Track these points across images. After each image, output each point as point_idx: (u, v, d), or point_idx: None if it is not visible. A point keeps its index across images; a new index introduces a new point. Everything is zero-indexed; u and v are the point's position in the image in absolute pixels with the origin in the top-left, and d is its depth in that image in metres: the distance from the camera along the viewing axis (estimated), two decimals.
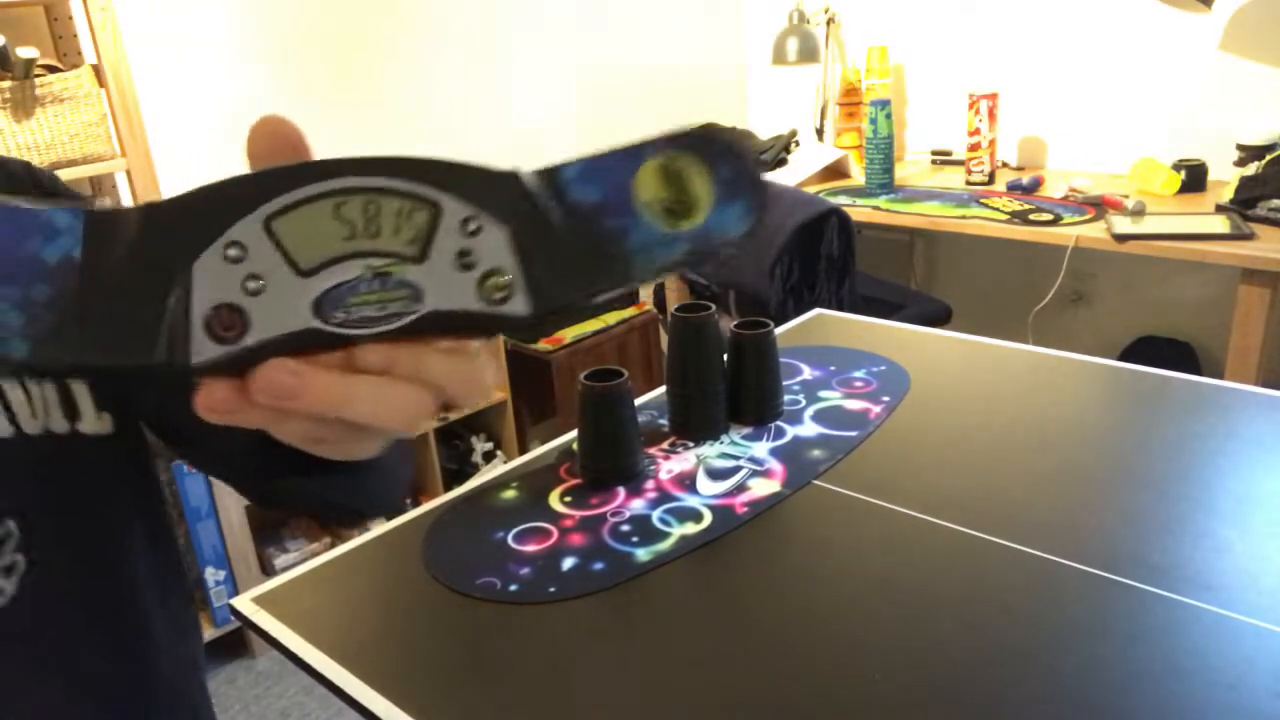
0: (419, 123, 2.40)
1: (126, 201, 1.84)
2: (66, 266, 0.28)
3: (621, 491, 1.05)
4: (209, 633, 2.12)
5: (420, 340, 0.30)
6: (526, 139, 2.61)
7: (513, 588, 0.89)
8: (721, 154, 0.32)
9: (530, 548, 0.95)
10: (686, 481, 1.06)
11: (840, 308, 1.84)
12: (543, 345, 2.50)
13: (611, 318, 2.66)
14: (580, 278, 0.31)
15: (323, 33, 2.23)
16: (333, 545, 0.98)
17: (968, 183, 2.49)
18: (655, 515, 1.00)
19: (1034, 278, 2.56)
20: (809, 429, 1.15)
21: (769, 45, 2.80)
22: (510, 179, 0.31)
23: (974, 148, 2.46)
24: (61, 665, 0.56)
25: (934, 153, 2.77)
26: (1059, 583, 0.84)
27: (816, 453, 1.09)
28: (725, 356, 1.16)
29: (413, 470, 2.15)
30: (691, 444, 1.14)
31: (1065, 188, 2.30)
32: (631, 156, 0.32)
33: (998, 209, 2.25)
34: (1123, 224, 1.99)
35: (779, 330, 1.47)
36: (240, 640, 2.23)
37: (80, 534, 0.56)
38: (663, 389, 1.22)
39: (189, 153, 2.04)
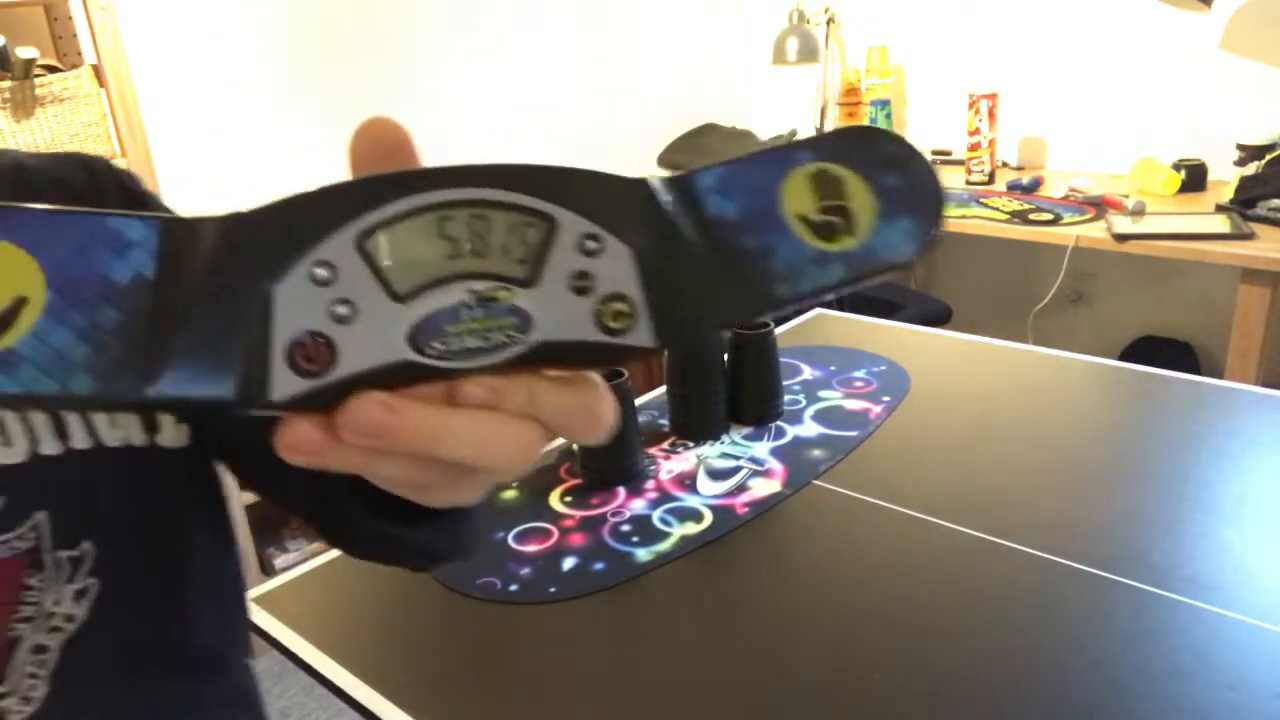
0: (419, 123, 2.40)
1: None
2: (137, 286, 0.24)
3: (622, 491, 1.05)
4: None
5: (529, 369, 0.27)
6: (527, 139, 2.62)
7: (513, 588, 0.89)
8: (886, 159, 0.28)
9: (530, 548, 0.95)
10: (687, 481, 1.06)
11: (840, 308, 1.84)
12: None
13: None
14: (714, 304, 0.27)
15: (323, 32, 2.23)
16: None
17: (968, 182, 2.49)
18: (656, 515, 1.00)
19: (1034, 278, 2.56)
20: (809, 429, 1.15)
21: (769, 45, 2.80)
22: (637, 189, 0.27)
23: (974, 147, 2.46)
24: (127, 690, 0.53)
25: (934, 152, 2.77)
26: (1059, 582, 0.84)
27: (817, 453, 1.09)
28: (725, 356, 1.16)
29: None
30: (692, 444, 1.14)
31: (1065, 187, 2.30)
32: (779, 162, 0.28)
33: (998, 209, 2.25)
34: (1123, 224, 1.99)
35: (779, 330, 1.47)
36: None
37: (154, 554, 0.53)
38: (663, 389, 1.22)
39: (189, 153, 2.04)
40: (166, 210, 0.59)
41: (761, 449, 1.11)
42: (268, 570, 2.26)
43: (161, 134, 1.92)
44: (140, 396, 0.24)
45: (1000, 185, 2.47)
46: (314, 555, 1.00)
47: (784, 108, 3.06)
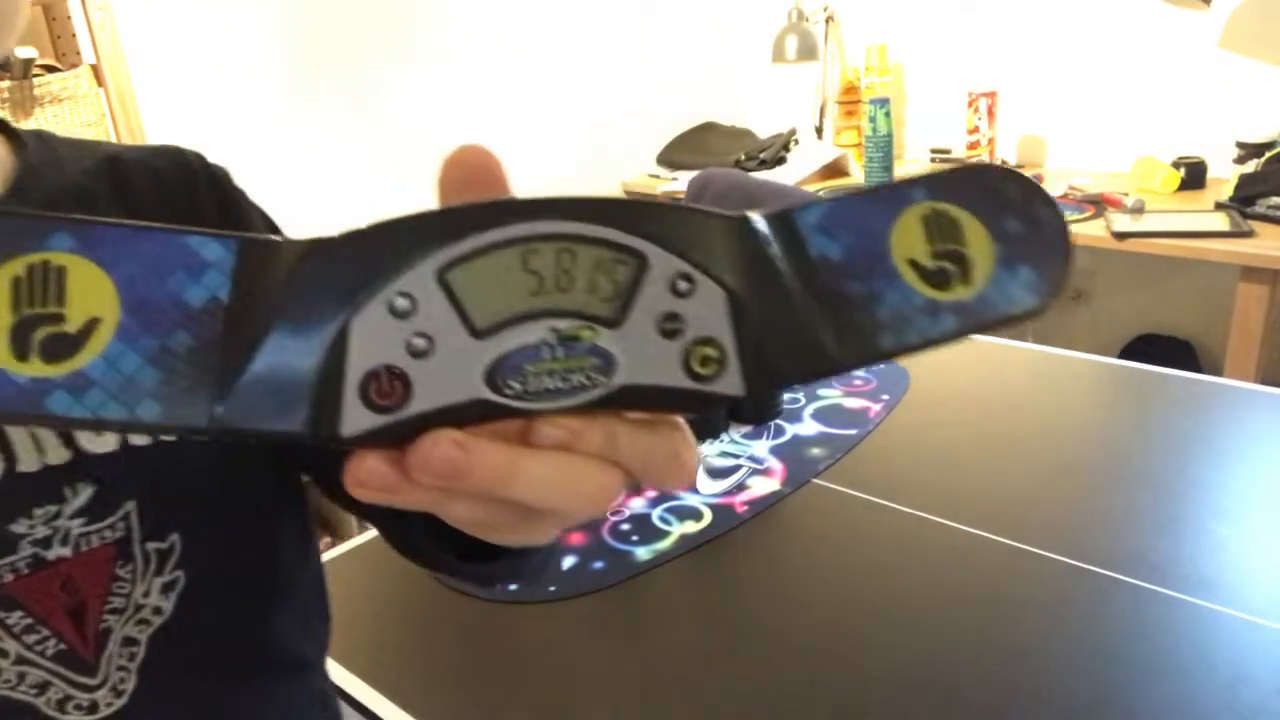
0: (419, 123, 2.40)
1: None
2: (211, 310, 0.24)
3: None
4: None
5: (608, 411, 0.25)
6: (527, 138, 2.61)
7: (513, 586, 0.89)
8: (1007, 201, 0.26)
9: None
10: None
11: None
12: None
13: None
14: (811, 354, 0.25)
15: (322, 32, 2.23)
16: (333, 545, 0.98)
17: None
18: (655, 514, 1.00)
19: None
20: (808, 427, 1.15)
21: (768, 43, 2.80)
22: (735, 226, 0.26)
23: (973, 146, 2.46)
24: (212, 687, 0.53)
25: (933, 151, 2.76)
26: (1058, 580, 0.84)
27: (816, 451, 1.09)
28: None
29: None
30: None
31: (1064, 186, 2.30)
32: (890, 200, 0.26)
33: None
34: (1122, 222, 1.99)
35: None
36: None
37: (240, 550, 0.53)
38: None
39: None
40: (258, 209, 0.59)
41: (761, 447, 1.11)
42: None
43: (160, 134, 1.92)
44: (207, 426, 0.23)
45: None
46: None
47: (783, 106, 3.06)
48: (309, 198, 2.17)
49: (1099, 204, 2.16)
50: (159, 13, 1.98)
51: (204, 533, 0.50)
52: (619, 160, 2.86)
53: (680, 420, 0.27)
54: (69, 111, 1.68)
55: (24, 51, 1.60)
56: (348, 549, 0.95)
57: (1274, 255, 1.76)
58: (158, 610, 0.49)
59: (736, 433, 1.15)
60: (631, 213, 0.25)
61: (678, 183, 2.63)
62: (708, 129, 2.97)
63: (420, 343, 0.24)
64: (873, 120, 2.47)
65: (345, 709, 0.79)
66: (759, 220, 0.26)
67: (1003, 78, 2.57)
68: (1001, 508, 0.95)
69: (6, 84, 1.60)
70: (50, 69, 1.71)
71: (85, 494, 0.46)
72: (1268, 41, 2.22)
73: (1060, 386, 1.23)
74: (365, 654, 0.83)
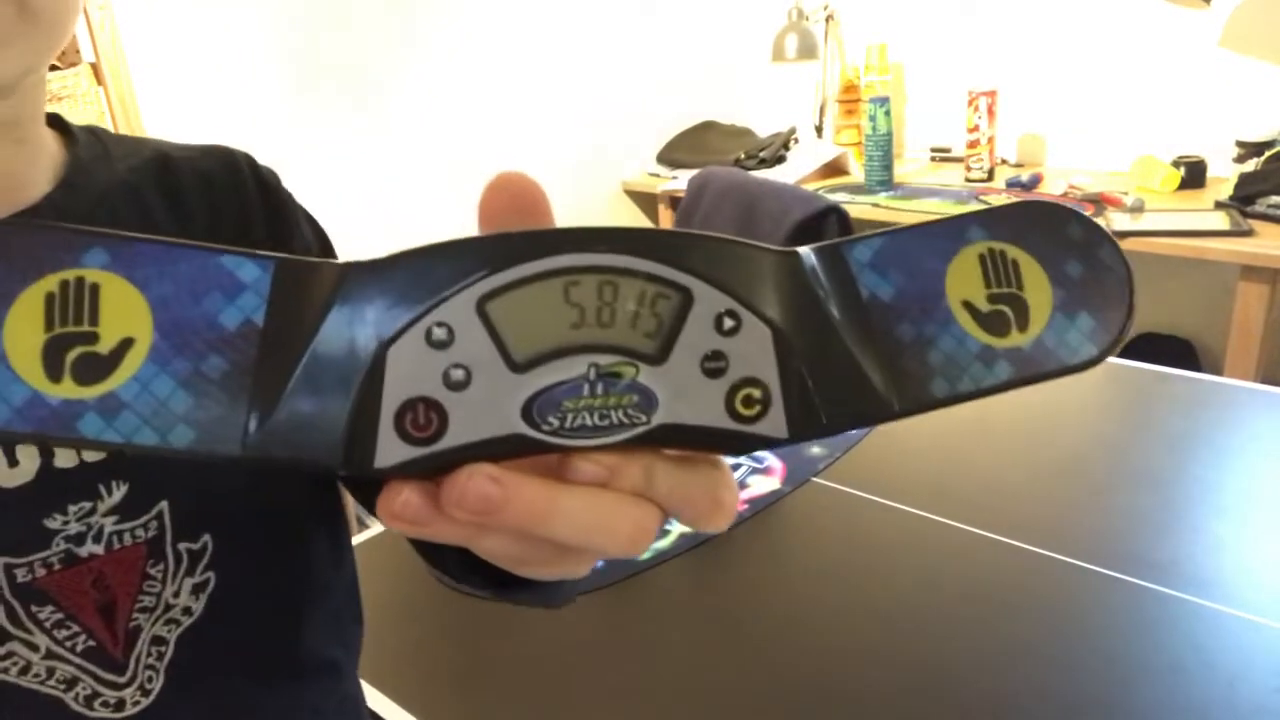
0: (419, 122, 2.40)
1: None
2: (246, 333, 0.23)
3: None
4: None
5: (647, 448, 0.25)
6: (527, 138, 2.61)
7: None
8: (1069, 243, 0.25)
9: None
10: None
11: None
12: None
13: None
14: (859, 399, 0.24)
15: (322, 31, 2.22)
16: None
17: (967, 180, 2.49)
18: None
19: None
20: None
21: (768, 42, 2.80)
22: (784, 262, 0.25)
23: (973, 145, 2.46)
24: (239, 689, 0.53)
25: (933, 150, 2.76)
26: (1058, 579, 0.84)
27: (816, 450, 1.09)
28: None
29: None
30: None
31: (1065, 185, 2.30)
32: (946, 236, 0.25)
33: None
34: (1122, 221, 1.99)
35: None
36: None
37: (272, 553, 0.53)
38: None
39: None
40: (304, 211, 0.59)
41: None
42: None
43: (160, 133, 1.91)
44: (240, 455, 0.23)
45: (999, 182, 2.46)
46: None
47: (783, 105, 3.06)
48: (309, 197, 2.17)
49: (1099, 203, 2.16)
50: (159, 12, 1.98)
51: (236, 534, 0.50)
52: (619, 159, 2.86)
53: (720, 459, 0.26)
54: (68, 110, 1.68)
55: None
56: (359, 543, 0.95)
57: (1274, 254, 1.76)
58: (187, 610, 0.49)
59: None
60: (677, 246, 0.24)
61: (677, 181, 2.63)
62: (708, 128, 2.97)
63: (458, 374, 0.23)
64: (872, 119, 2.47)
65: None
66: (809, 255, 0.25)
67: (1003, 76, 2.56)
68: (1002, 507, 0.95)
69: None
70: (50, 67, 1.70)
71: (120, 492, 0.46)
72: (1268, 41, 2.22)
73: (1060, 385, 1.23)
74: (366, 653, 0.83)
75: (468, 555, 0.26)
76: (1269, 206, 1.91)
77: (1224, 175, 2.18)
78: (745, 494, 1.02)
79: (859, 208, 2.38)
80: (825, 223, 2.05)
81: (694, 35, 2.96)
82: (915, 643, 0.78)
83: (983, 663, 0.75)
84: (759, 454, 1.09)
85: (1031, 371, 0.25)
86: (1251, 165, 2.05)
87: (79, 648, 0.47)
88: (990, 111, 2.44)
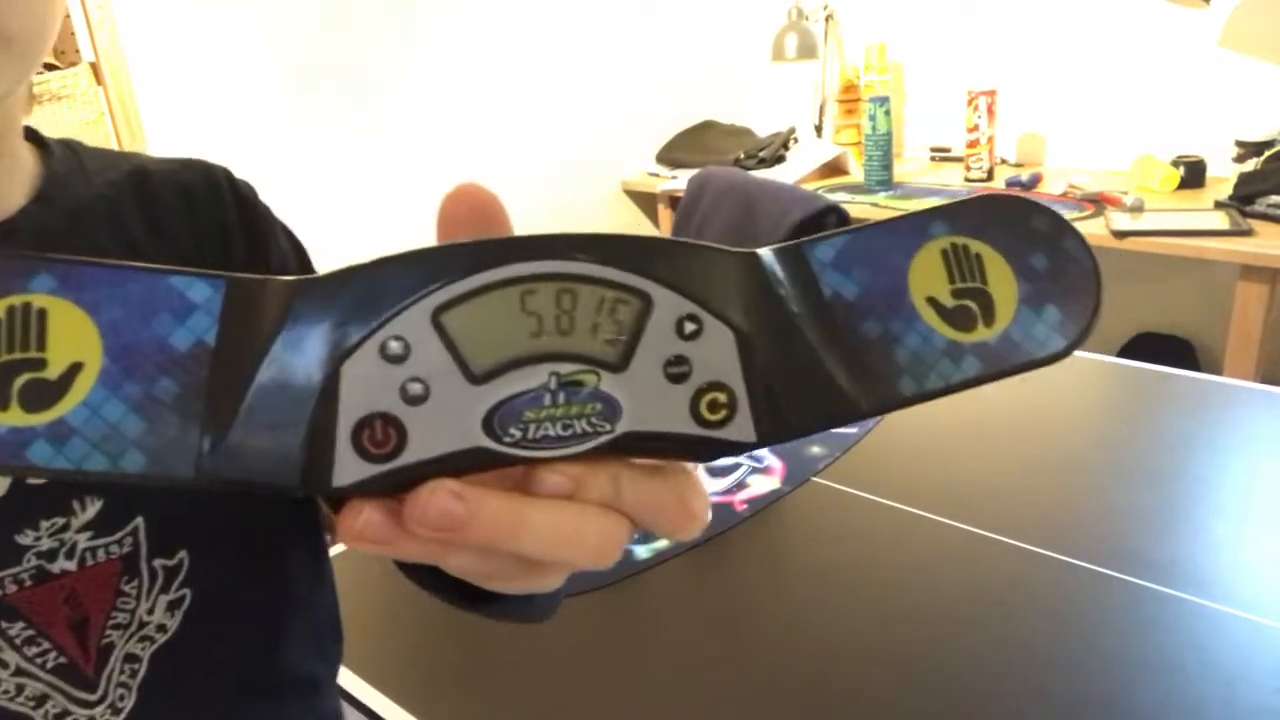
0: (418, 121, 2.40)
1: None
2: (198, 354, 0.23)
3: None
4: None
5: (614, 458, 0.24)
6: (527, 137, 2.61)
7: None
8: (1033, 236, 0.25)
9: None
10: None
11: None
12: None
13: None
14: (826, 399, 0.24)
15: (323, 31, 2.22)
16: (333, 544, 0.98)
17: (967, 179, 2.49)
18: None
19: None
20: None
21: (768, 42, 2.80)
22: (745, 264, 0.24)
23: (972, 144, 2.46)
24: (214, 707, 0.53)
25: (933, 149, 2.76)
26: (1057, 578, 0.84)
27: (816, 449, 1.09)
28: None
29: None
30: None
31: (1064, 184, 2.30)
32: (908, 233, 0.25)
33: None
34: (1121, 220, 1.99)
35: None
36: None
37: (249, 569, 0.53)
38: None
39: (188, 151, 2.03)
40: (282, 225, 0.58)
41: None
42: None
43: (160, 132, 1.91)
44: (194, 479, 0.22)
45: (999, 182, 2.46)
46: None
47: (782, 105, 3.06)
48: (308, 197, 2.17)
49: (1098, 203, 2.16)
50: (159, 11, 1.98)
51: (213, 551, 0.50)
52: (619, 159, 2.86)
53: (689, 466, 0.26)
54: (68, 110, 1.68)
55: None
56: (347, 549, 0.95)
57: (1274, 254, 1.76)
58: (162, 628, 0.49)
59: None
60: (634, 251, 0.23)
61: (677, 181, 2.63)
62: (707, 127, 2.96)
63: (415, 388, 0.22)
64: (872, 119, 2.47)
65: (347, 709, 0.79)
66: (769, 256, 0.25)
67: (1002, 76, 2.56)
68: (1001, 506, 0.95)
69: None
70: (49, 67, 1.70)
71: (94, 508, 0.46)
72: (1267, 40, 2.22)
73: (1060, 385, 1.24)
74: (366, 653, 0.83)
75: (439, 570, 0.26)
76: (1269, 206, 1.91)
77: (1224, 175, 2.18)
78: (745, 494, 1.02)
79: (859, 208, 2.38)
80: (825, 222, 2.05)
81: (694, 35, 2.96)
82: (915, 642, 0.78)
83: (982, 662, 0.75)
84: (758, 454, 1.09)
85: (1000, 366, 0.25)
86: (1251, 165, 2.05)
87: (49, 665, 0.46)
88: (990, 111, 2.44)
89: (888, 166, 2.51)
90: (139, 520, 0.47)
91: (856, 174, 2.68)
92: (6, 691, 0.45)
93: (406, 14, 2.35)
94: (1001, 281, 0.25)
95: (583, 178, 2.78)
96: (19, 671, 0.45)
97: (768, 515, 0.98)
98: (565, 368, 0.23)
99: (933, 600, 0.83)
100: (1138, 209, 2.05)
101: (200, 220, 0.53)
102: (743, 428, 0.24)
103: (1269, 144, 2.08)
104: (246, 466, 0.22)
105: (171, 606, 0.49)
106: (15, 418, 0.22)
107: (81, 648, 0.47)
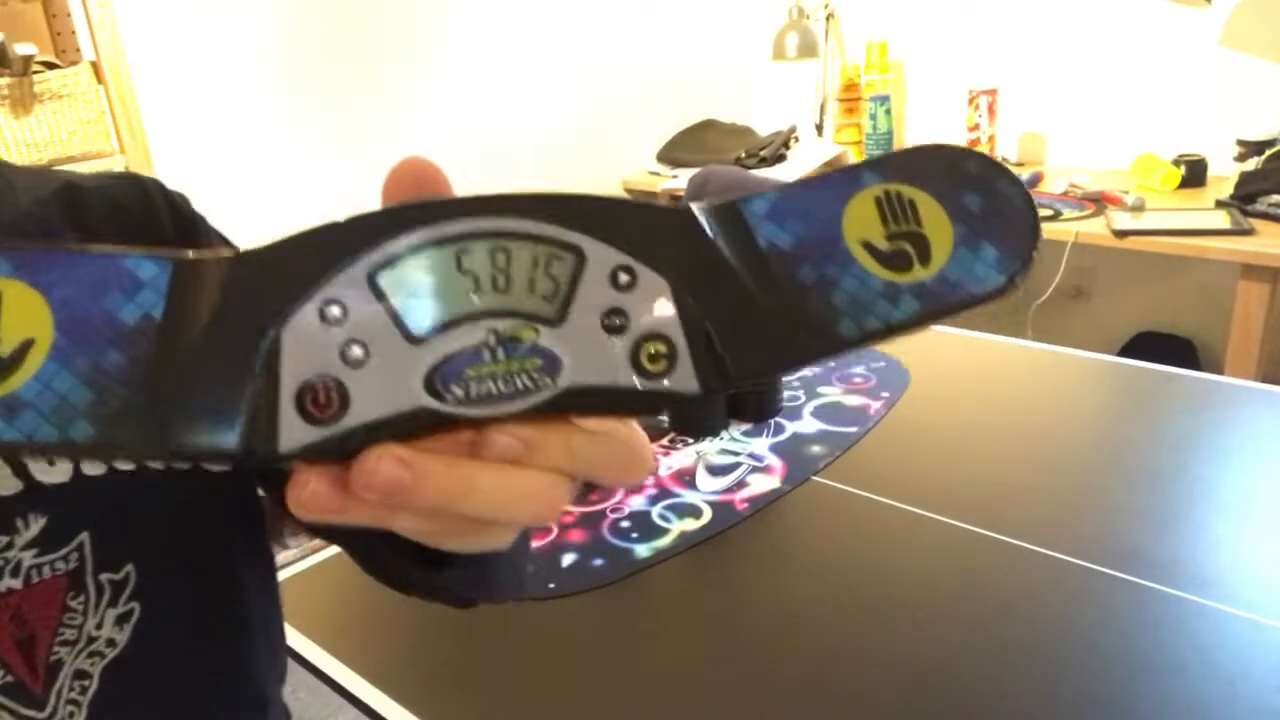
0: (418, 120, 2.40)
1: None
2: (144, 329, 0.23)
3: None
4: None
5: (557, 416, 0.24)
6: (527, 137, 2.61)
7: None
8: (965, 179, 0.25)
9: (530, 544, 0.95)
10: (686, 477, 1.06)
11: None
12: None
13: None
14: (767, 345, 0.24)
15: (323, 30, 2.22)
16: (330, 544, 0.98)
17: None
18: (655, 511, 1.00)
19: (1033, 273, 2.56)
20: (808, 425, 1.15)
21: (768, 41, 2.80)
22: (678, 217, 0.25)
23: (973, 143, 2.46)
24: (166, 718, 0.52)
25: None
26: (1058, 578, 0.84)
27: (816, 449, 1.09)
28: None
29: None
30: (691, 440, 1.14)
31: (1065, 183, 2.30)
32: (841, 185, 0.25)
33: None
34: (1122, 219, 1.99)
35: None
36: None
37: (197, 581, 0.53)
38: None
39: (188, 150, 2.03)
40: (217, 233, 0.58)
41: (761, 445, 1.11)
42: None
43: (160, 131, 1.91)
44: (141, 445, 0.23)
45: None
46: (313, 552, 1.00)
47: (783, 104, 3.06)
48: (308, 197, 2.16)
49: (1099, 202, 2.16)
50: (159, 10, 1.98)
51: (160, 564, 0.50)
52: (619, 158, 2.86)
53: (631, 421, 0.26)
54: (68, 109, 1.68)
55: (23, 48, 1.60)
56: (342, 551, 0.95)
57: (1274, 253, 1.76)
58: (111, 642, 0.48)
59: (736, 430, 1.15)
60: (563, 206, 0.24)
61: (678, 180, 2.63)
62: (708, 126, 2.96)
63: (356, 351, 0.23)
64: (873, 118, 2.47)
65: (347, 708, 0.79)
66: (701, 210, 0.25)
67: (1003, 75, 2.56)
68: (1002, 505, 0.95)
69: (6, 80, 1.60)
70: (50, 65, 1.70)
71: (38, 525, 0.46)
72: (1268, 39, 2.22)
73: (1060, 384, 1.23)
74: (367, 652, 0.83)
75: (394, 537, 0.26)
76: (1270, 205, 1.91)
77: (1224, 174, 2.18)
78: (745, 493, 1.02)
79: None
80: None
81: (694, 34, 2.96)
82: (914, 642, 0.78)
83: (982, 661, 0.75)
84: (759, 453, 1.09)
85: (940, 304, 0.25)
86: (1252, 164, 2.05)
87: None
88: (991, 110, 2.44)
89: None
90: (84, 535, 0.47)
91: None
92: None
93: (406, 14, 2.35)
94: (936, 223, 0.25)
95: (583, 177, 2.78)
96: None
97: (768, 514, 0.98)
98: (503, 324, 0.23)
99: (933, 599, 0.83)
100: (1139, 208, 2.05)
101: (134, 231, 0.53)
102: (684, 378, 0.24)
103: (1270, 143, 2.08)
104: (192, 434, 0.23)
105: (120, 620, 0.48)
106: None
107: (29, 665, 0.46)
